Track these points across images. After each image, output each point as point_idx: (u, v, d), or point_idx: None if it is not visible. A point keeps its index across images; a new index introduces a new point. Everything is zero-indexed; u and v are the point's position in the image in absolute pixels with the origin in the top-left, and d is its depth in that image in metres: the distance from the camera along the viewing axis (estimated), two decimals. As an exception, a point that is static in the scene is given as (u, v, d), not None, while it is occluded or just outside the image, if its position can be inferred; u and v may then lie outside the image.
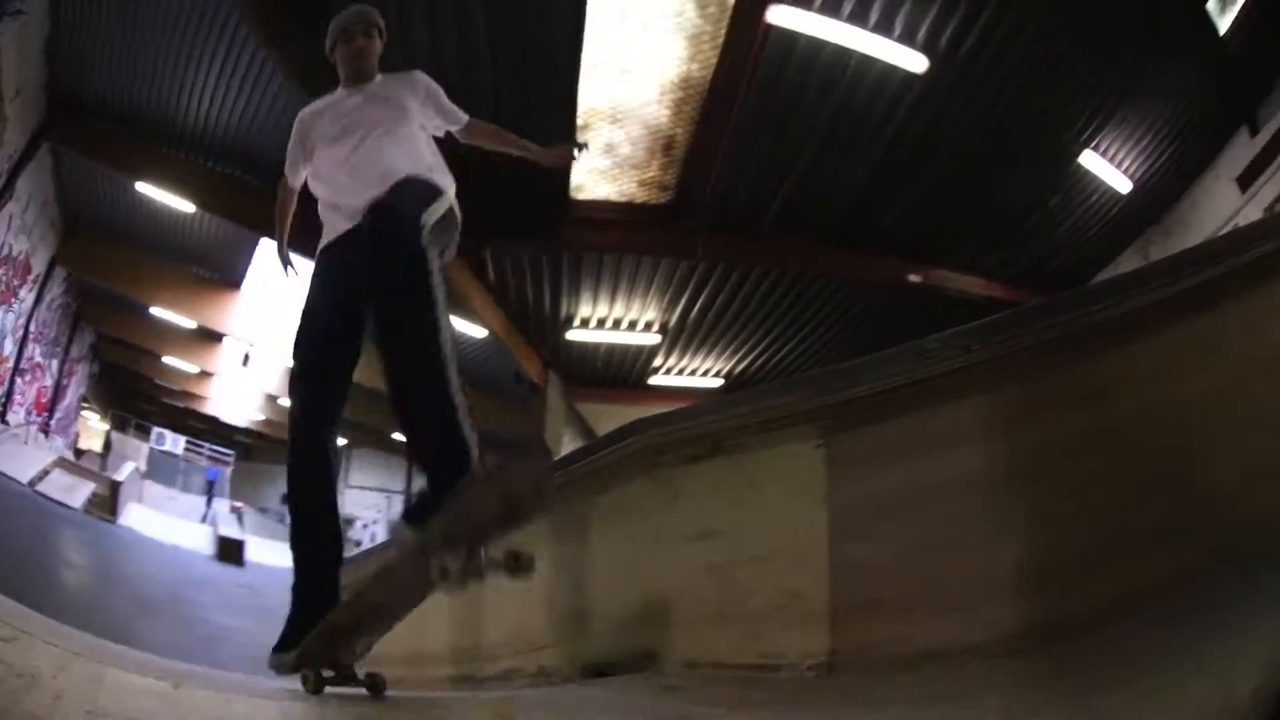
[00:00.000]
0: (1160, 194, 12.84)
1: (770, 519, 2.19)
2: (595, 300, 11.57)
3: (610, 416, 13.12)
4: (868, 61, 9.25)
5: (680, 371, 14.55)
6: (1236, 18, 10.34)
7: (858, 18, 8.77)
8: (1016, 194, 11.92)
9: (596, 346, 13.06)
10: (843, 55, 9.13)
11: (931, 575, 1.94)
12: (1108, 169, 12.18)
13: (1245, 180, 11.81)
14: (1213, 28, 10.28)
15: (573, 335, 12.42)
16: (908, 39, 9.14)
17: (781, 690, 1.96)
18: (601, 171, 9.63)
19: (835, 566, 1.99)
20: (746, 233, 10.82)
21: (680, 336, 12.92)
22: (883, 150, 10.43)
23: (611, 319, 12.22)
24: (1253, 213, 11.20)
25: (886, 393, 2.09)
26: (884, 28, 8.95)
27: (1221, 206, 12.06)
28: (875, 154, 10.47)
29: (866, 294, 12.58)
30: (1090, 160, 11.86)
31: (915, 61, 9.27)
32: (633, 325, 12.28)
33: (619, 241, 10.22)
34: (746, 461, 2.28)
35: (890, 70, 9.32)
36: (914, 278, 11.77)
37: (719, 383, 15.13)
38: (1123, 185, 12.58)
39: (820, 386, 2.31)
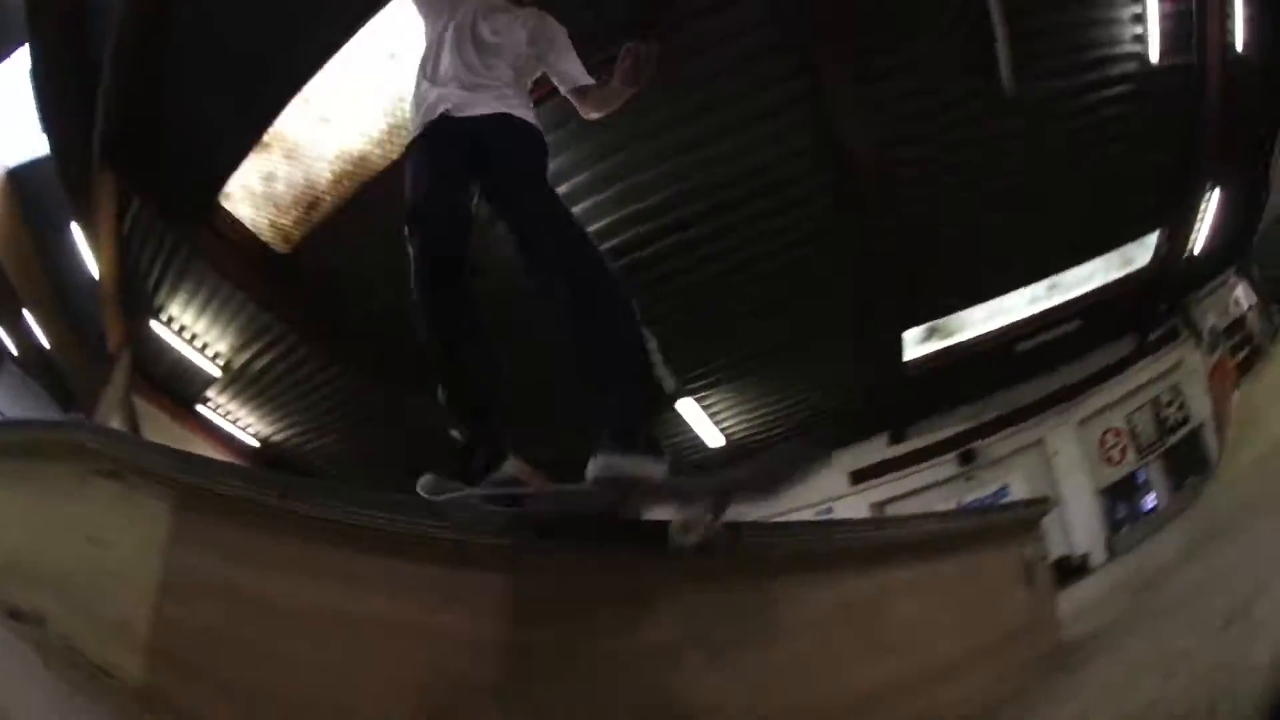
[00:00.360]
0: (756, 449, 13.04)
1: (124, 553, 2.35)
2: (187, 304, 10.49)
3: (155, 423, 11.65)
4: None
5: (227, 415, 13.42)
6: (930, 354, 11.54)
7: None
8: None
9: (168, 347, 11.79)
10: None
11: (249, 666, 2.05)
12: (700, 417, 12.28)
13: (860, 476, 12.55)
14: (899, 352, 11.39)
15: (156, 326, 11.17)
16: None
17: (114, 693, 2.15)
18: (250, 193, 9.09)
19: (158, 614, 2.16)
20: (331, 316, 10.42)
21: (240, 379, 11.73)
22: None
23: (192, 331, 11.18)
24: (858, 504, 12.07)
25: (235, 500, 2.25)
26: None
27: (821, 489, 12.29)
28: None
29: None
30: (688, 408, 11.96)
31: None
32: (205, 348, 11.17)
33: (227, 263, 9.55)
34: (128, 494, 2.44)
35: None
36: (456, 434, 11.27)
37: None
38: (714, 439, 12.84)
39: (178, 465, 2.54)
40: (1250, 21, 11.17)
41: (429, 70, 2.71)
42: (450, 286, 2.53)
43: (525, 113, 2.70)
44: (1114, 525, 16.30)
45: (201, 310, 10.54)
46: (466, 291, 2.59)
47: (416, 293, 2.51)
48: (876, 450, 12.96)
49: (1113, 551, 14.87)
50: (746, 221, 9.26)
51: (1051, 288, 13.02)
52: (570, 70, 2.87)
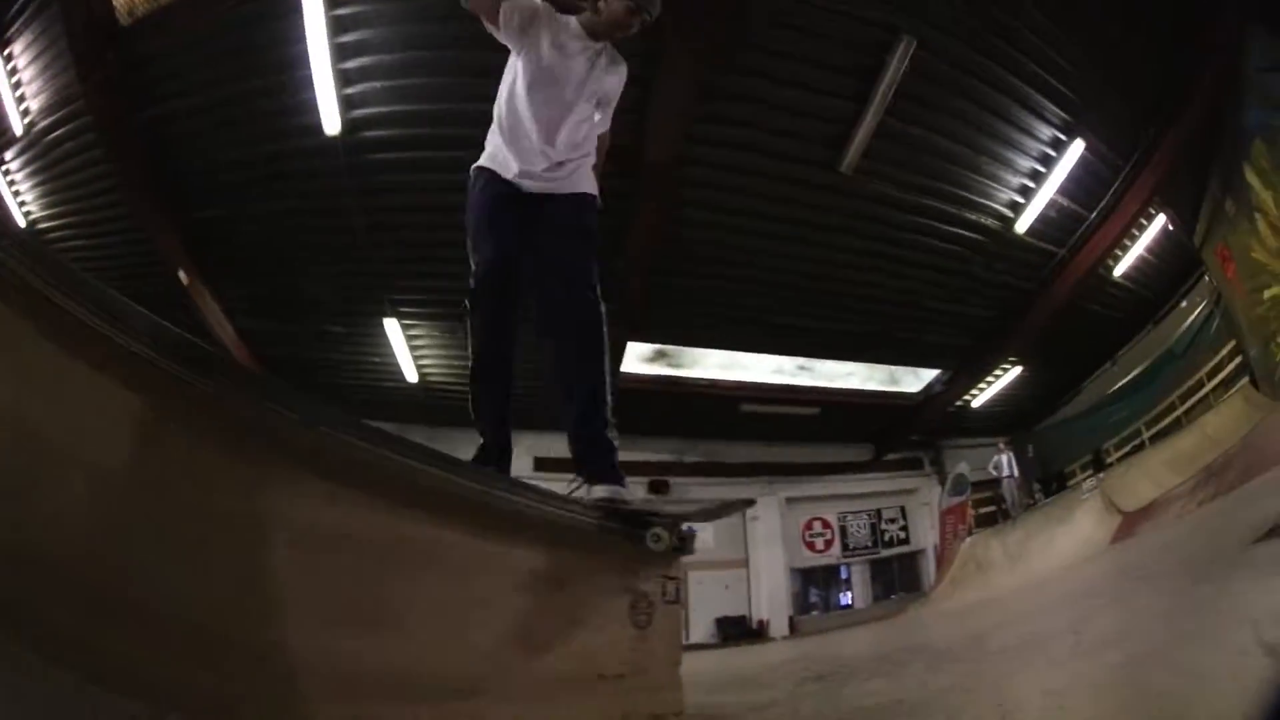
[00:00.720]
0: (444, 399, 12.99)
1: None
2: (27, 46, 9.02)
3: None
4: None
5: (11, 184, 11.39)
6: (652, 376, 11.58)
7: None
8: (314, 294, 11.07)
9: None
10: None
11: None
12: (401, 344, 11.81)
13: (544, 465, 11.63)
14: (619, 360, 10.86)
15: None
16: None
17: None
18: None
19: None
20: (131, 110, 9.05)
21: (34, 148, 10.33)
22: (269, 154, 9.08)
23: (19, 78, 9.56)
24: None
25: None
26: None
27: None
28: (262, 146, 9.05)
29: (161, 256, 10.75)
30: (391, 327, 11.43)
31: (332, 120, 8.20)
32: (21, 100, 9.77)
33: (74, 13, 8.19)
34: None
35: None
36: (184, 276, 10.55)
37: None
38: (411, 374, 12.51)
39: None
40: (1144, 260, 11.88)
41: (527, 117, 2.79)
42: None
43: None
44: (804, 606, 16.84)
45: (34, 58, 9.14)
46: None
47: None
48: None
49: (794, 630, 15.25)
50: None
51: (801, 368, 13.08)
52: (606, 121, 3.03)
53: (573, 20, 2.77)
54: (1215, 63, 8.13)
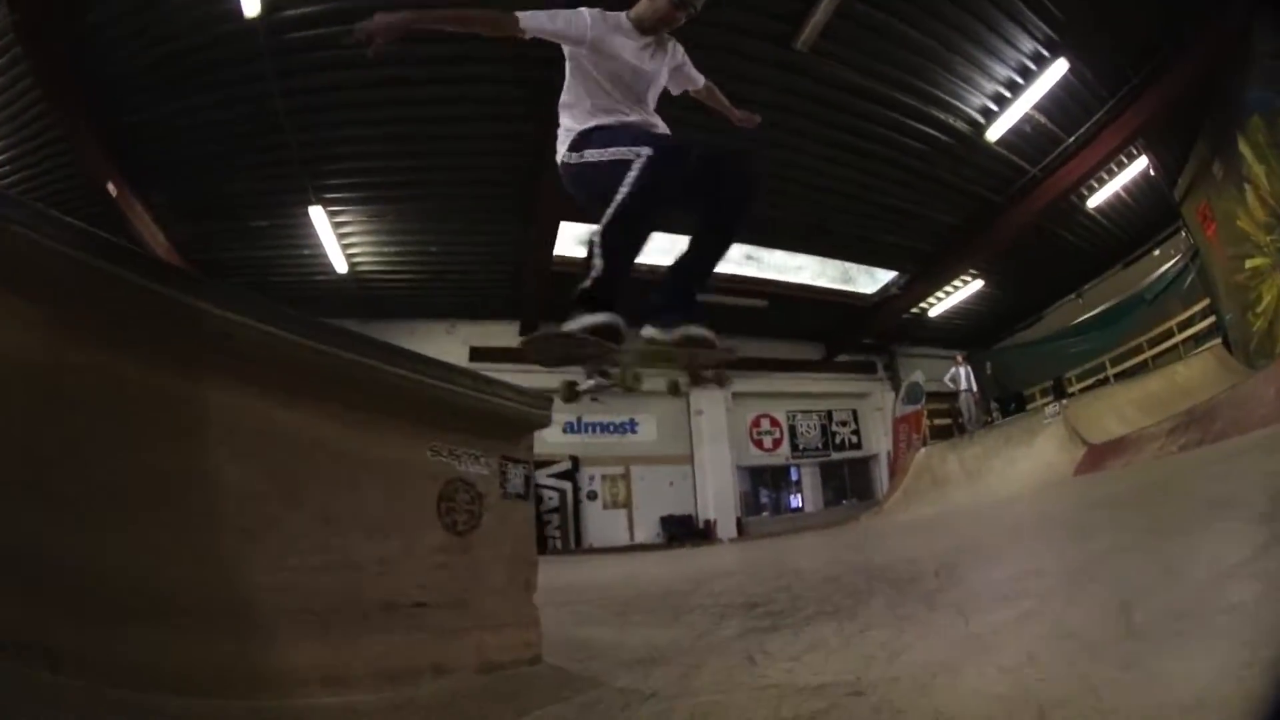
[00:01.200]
0: (377, 290, 13.26)
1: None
2: None
3: None
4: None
5: None
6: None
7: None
8: (239, 190, 10.76)
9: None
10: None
11: None
12: (328, 233, 11.43)
13: (479, 354, 12.60)
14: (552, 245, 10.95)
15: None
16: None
17: None
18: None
19: None
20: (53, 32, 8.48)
21: None
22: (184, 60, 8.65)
23: None
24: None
25: None
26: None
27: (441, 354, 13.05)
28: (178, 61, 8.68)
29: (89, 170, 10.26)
30: (317, 216, 10.98)
31: (252, 1, 7.79)
32: None
33: None
34: None
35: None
36: (112, 188, 10.13)
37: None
38: (340, 264, 12.24)
39: None
40: (1120, 199, 11.67)
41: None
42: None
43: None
44: (753, 507, 16.46)
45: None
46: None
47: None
48: (505, 335, 13.24)
49: (742, 532, 14.87)
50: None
51: (749, 258, 12.71)
52: (695, 78, 3.16)
53: (624, 17, 2.85)
54: (1221, 28, 7.89)
